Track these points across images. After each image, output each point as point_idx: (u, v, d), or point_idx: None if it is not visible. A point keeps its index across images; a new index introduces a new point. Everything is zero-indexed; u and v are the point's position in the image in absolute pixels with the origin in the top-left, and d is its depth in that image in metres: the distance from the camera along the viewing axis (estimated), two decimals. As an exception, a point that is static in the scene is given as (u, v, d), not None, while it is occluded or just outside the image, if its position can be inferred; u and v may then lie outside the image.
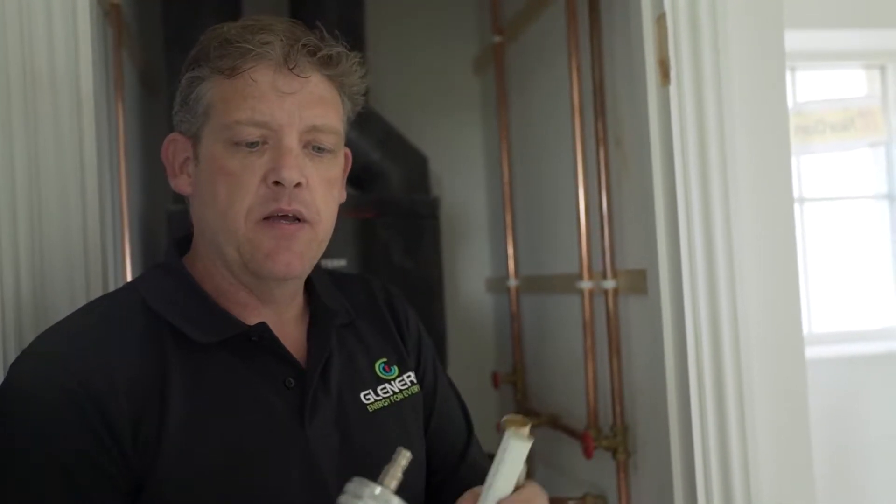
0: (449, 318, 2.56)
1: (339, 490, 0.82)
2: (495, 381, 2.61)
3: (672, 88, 1.36)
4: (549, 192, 2.24)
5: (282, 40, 0.95)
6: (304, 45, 0.95)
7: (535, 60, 2.34)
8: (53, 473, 0.86)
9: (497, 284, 2.72)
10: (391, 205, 2.36)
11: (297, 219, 0.95)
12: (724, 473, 1.35)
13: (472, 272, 2.86)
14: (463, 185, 2.89)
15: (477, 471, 1.18)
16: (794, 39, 1.80)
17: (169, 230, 2.30)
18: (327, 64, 0.97)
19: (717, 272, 1.35)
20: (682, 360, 1.39)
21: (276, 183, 0.93)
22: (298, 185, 0.94)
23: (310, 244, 0.98)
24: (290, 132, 0.94)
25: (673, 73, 1.36)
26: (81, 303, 1.08)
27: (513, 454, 0.87)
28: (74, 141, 1.23)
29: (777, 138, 1.39)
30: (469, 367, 2.64)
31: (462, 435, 1.20)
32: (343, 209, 1.05)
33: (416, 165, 2.50)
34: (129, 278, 1.98)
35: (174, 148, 1.01)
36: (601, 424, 1.91)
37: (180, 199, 2.32)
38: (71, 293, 1.21)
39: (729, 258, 1.35)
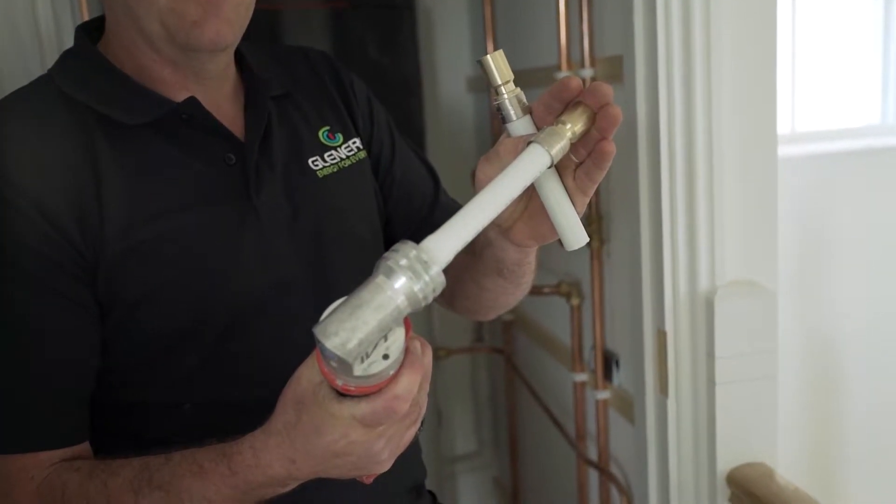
0: (428, 116, 2.52)
1: (294, 261, 0.77)
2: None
3: None
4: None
5: None
6: None
7: None
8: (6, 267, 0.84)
9: (477, 83, 2.66)
10: (364, -7, 2.24)
11: None
12: (691, 257, 1.39)
13: (453, 70, 2.78)
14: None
15: (452, 211, 1.18)
16: None
17: None
18: None
19: (693, 58, 1.32)
20: (655, 149, 1.39)
21: None
22: None
23: (238, 8, 0.89)
24: None
25: None
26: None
27: (530, 160, 0.75)
28: None
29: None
30: (449, 164, 2.61)
31: (429, 183, 1.21)
32: (313, -2, 0.98)
33: (391, -48, 2.37)
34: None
35: None
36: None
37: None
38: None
39: (706, 44, 1.32)
